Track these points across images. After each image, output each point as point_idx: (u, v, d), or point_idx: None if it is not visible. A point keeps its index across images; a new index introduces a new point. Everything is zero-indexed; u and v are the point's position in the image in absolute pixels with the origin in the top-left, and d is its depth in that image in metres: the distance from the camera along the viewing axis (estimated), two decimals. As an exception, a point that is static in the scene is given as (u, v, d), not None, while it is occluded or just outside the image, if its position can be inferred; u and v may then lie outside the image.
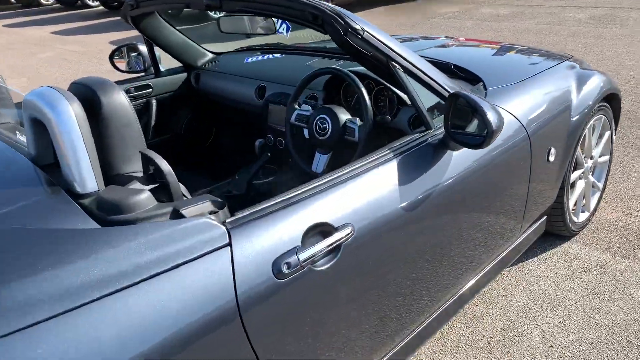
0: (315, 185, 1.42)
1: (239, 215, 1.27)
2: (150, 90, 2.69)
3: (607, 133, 2.76)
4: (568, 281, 2.44)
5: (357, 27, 1.55)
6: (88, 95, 1.31)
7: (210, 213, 1.26)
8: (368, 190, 1.49)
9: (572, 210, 2.65)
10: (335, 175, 1.46)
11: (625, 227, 2.80)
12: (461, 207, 1.81)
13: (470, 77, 2.21)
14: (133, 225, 1.13)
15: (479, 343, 2.14)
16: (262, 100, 2.48)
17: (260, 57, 2.77)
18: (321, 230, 1.35)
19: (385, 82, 2.08)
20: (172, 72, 2.84)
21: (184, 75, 2.86)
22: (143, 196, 1.22)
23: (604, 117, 2.66)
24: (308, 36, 3.20)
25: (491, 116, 1.55)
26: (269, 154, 2.22)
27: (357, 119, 1.95)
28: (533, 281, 2.46)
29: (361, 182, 1.49)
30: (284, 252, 1.26)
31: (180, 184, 1.36)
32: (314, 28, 1.59)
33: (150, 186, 1.30)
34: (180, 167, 2.97)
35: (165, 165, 1.32)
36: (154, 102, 2.71)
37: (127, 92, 2.55)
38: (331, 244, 1.34)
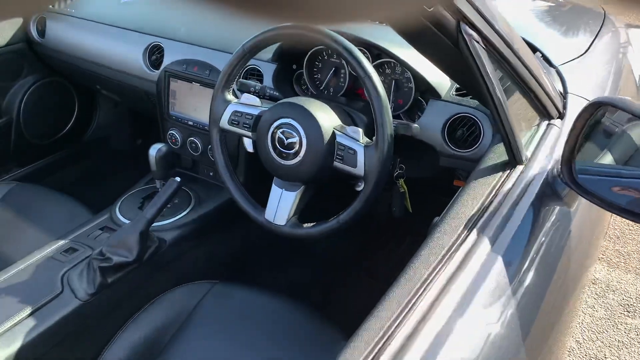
0: None
1: None
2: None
3: None
4: (613, 331, 1.75)
5: None
6: None
7: None
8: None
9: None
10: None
11: (650, 234, 2.16)
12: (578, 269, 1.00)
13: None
14: None
15: None
16: (159, 71, 1.43)
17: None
18: None
19: (395, 54, 1.14)
20: (-7, 15, 1.67)
21: (18, 21, 1.70)
22: None
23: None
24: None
25: None
26: (179, 179, 1.22)
27: (358, 129, 1.01)
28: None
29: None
30: None
31: None
32: None
33: None
34: (18, 175, 1.87)
35: None
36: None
37: None
38: None
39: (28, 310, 1.07)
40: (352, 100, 1.19)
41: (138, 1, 1.63)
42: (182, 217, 1.33)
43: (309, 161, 1.03)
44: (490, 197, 0.81)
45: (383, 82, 1.20)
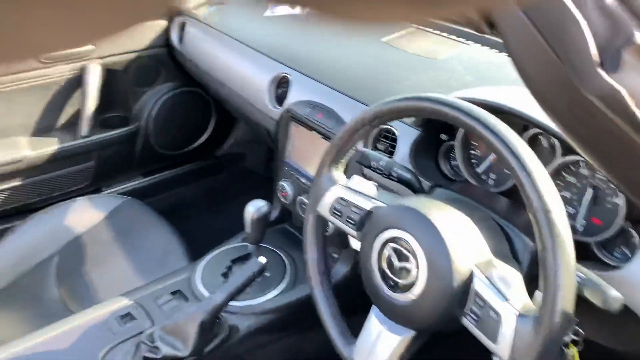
0: None
1: None
2: (92, 47, 1.44)
3: None
4: None
5: None
6: None
7: None
8: None
9: None
10: None
11: None
12: None
13: None
14: None
15: None
16: (281, 109, 1.16)
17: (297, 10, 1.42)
18: None
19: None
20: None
21: (162, 24, 1.56)
22: None
23: None
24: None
25: None
26: (264, 260, 0.94)
27: (513, 277, 0.61)
28: None
29: None
30: None
31: None
32: None
33: None
34: (138, 186, 1.73)
35: None
36: (96, 68, 1.45)
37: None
38: None
39: None
40: (517, 208, 0.79)
41: (283, 18, 1.38)
42: (267, 300, 1.04)
43: (426, 304, 0.67)
44: None
45: (575, 185, 0.78)
